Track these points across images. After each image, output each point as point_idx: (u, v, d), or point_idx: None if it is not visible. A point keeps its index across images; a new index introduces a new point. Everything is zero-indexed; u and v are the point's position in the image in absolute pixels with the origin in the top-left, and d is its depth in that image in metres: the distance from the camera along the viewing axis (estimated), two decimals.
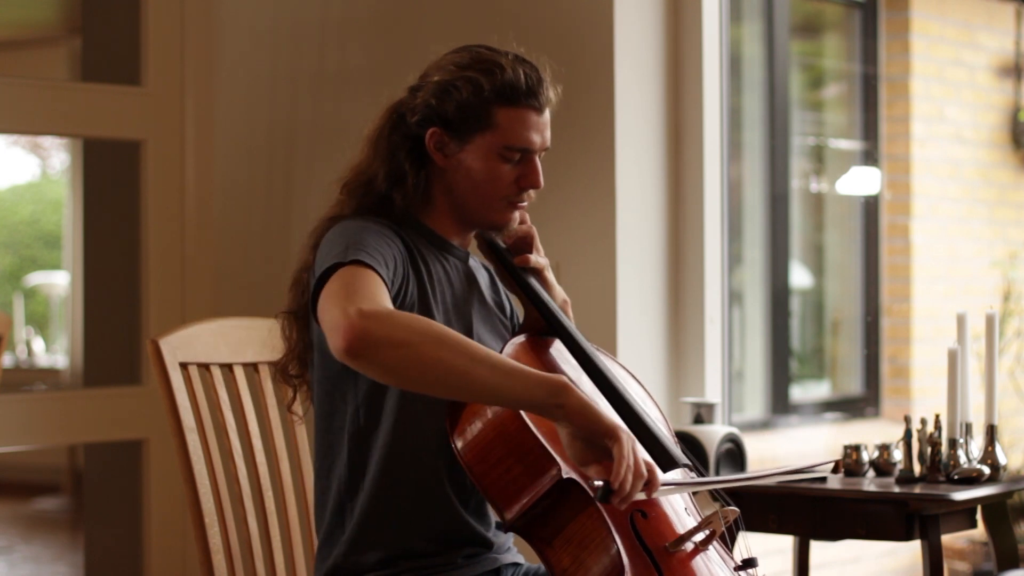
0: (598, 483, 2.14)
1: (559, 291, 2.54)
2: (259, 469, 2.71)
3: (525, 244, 2.50)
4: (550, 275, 2.53)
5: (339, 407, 2.38)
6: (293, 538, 2.75)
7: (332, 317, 2.15)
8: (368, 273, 2.22)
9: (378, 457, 2.34)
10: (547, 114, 2.41)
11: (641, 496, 2.18)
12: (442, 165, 2.40)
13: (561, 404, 2.15)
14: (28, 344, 9.69)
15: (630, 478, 2.14)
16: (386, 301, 2.20)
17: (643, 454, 2.21)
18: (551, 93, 2.41)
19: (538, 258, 2.50)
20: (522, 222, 2.50)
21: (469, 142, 2.38)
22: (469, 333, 2.41)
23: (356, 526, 2.36)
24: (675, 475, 2.41)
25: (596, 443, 2.16)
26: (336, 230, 2.34)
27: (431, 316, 2.35)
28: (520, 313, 2.55)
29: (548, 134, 2.42)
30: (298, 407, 2.50)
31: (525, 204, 2.44)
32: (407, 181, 2.39)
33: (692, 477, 2.45)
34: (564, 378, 2.16)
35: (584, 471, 2.19)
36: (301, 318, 2.41)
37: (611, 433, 2.15)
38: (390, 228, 2.37)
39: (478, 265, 2.54)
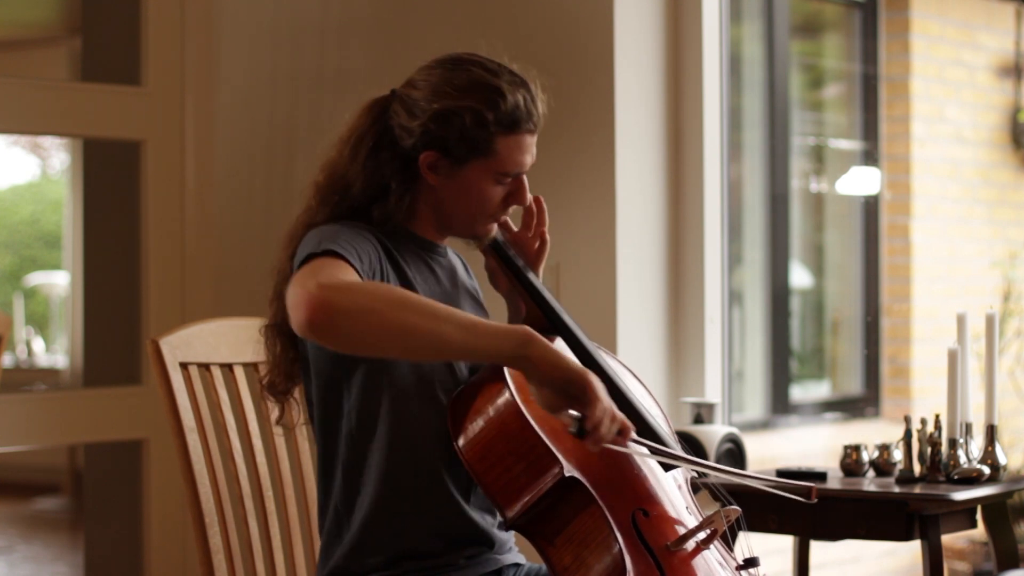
0: (573, 413, 2.13)
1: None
2: (259, 469, 2.71)
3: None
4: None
5: (334, 413, 2.37)
6: (293, 538, 2.75)
7: (292, 295, 2.14)
8: (337, 261, 2.23)
9: (375, 459, 2.34)
10: (537, 132, 2.43)
11: (614, 446, 2.18)
12: (433, 183, 2.40)
13: (527, 355, 2.14)
14: (28, 344, 9.69)
15: (606, 419, 2.14)
16: (351, 280, 2.19)
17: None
18: (543, 109, 2.42)
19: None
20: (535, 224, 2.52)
21: (465, 166, 2.37)
22: None
23: (357, 529, 2.35)
24: (676, 474, 2.41)
25: (566, 391, 2.15)
26: (310, 234, 2.34)
27: None
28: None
29: (535, 149, 2.43)
30: (287, 419, 2.50)
31: (506, 218, 2.46)
32: (390, 199, 2.39)
33: (692, 476, 2.46)
34: (529, 328, 2.16)
35: (556, 416, 2.18)
36: (286, 330, 2.39)
37: (580, 377, 2.15)
38: (366, 228, 2.37)
39: (452, 254, 2.54)
